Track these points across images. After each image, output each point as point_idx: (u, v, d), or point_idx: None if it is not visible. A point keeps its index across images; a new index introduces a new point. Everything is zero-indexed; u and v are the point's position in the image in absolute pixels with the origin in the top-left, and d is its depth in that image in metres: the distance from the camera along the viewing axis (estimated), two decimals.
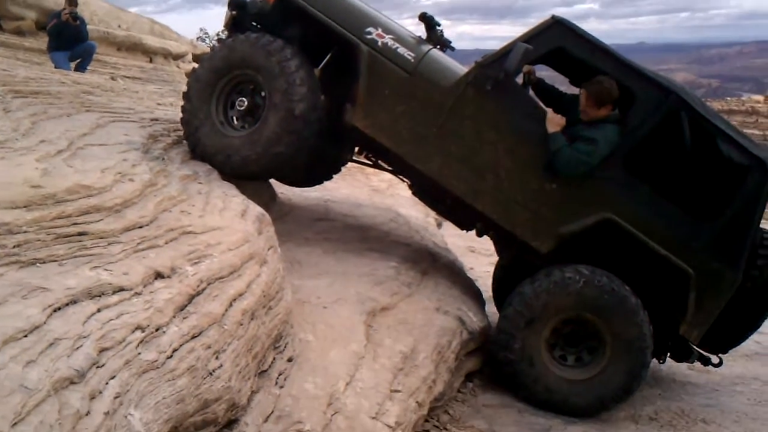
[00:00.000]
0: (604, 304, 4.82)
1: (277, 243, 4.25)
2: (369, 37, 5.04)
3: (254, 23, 5.37)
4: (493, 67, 4.87)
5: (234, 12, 5.38)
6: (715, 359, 5.60)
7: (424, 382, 4.11)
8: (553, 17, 4.92)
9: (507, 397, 5.10)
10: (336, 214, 6.47)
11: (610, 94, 4.80)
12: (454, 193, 5.12)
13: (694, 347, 5.41)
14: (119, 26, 15.82)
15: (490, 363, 5.32)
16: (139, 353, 2.31)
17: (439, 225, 9.52)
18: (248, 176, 5.02)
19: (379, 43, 5.04)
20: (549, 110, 5.02)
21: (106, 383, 2.09)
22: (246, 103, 5.03)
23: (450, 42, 5.57)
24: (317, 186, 7.01)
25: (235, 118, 5.09)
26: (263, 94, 4.98)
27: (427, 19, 5.47)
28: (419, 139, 5.02)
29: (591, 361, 5.00)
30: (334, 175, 6.75)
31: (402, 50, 5.06)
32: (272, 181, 6.31)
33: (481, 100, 4.92)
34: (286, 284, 3.90)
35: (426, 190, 5.75)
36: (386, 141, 5.11)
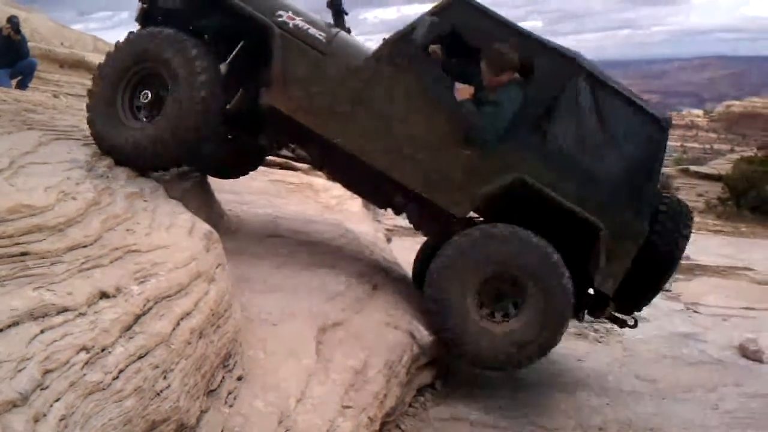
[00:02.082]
0: (525, 258, 5.06)
1: (226, 260, 4.21)
2: (280, 19, 5.14)
3: (163, 17, 5.35)
4: (403, 41, 5.10)
5: (145, 5, 5.40)
6: (630, 321, 5.93)
7: (375, 397, 4.10)
8: None
9: (459, 410, 5.13)
10: (285, 231, 6.44)
11: (508, 59, 5.03)
12: (372, 166, 5.22)
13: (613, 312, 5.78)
14: (62, 43, 15.59)
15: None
16: (85, 374, 2.27)
17: (389, 240, 9.56)
18: (153, 166, 4.97)
19: (290, 25, 5.15)
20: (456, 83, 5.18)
21: (51, 406, 2.05)
22: (150, 95, 5.00)
23: (350, 30, 5.78)
24: (266, 203, 6.99)
25: (139, 109, 5.06)
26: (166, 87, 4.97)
27: (335, 6, 5.72)
28: (336, 115, 5.15)
29: (517, 314, 5.18)
30: (257, 167, 6.85)
31: (313, 31, 5.20)
32: (219, 197, 6.26)
33: (394, 74, 5.11)
34: (234, 302, 3.86)
35: (343, 171, 5.81)
36: (303, 119, 5.18)
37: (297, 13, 5.26)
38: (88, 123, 5.01)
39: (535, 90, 5.13)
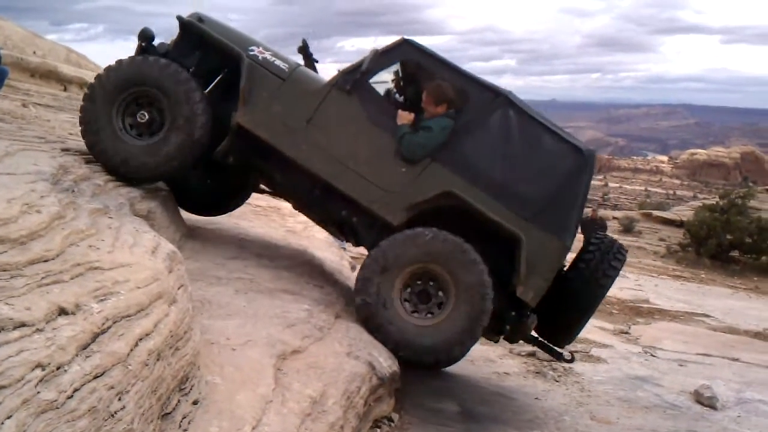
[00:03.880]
0: (448, 255, 5.59)
1: (188, 282, 4.18)
2: (252, 53, 6.03)
3: (155, 55, 6.04)
4: (352, 72, 5.93)
5: (143, 44, 6.14)
6: (567, 355, 6.67)
7: (332, 427, 4.07)
8: (403, 38, 6.05)
9: None
10: (249, 254, 6.41)
11: (445, 93, 5.86)
12: (320, 177, 5.93)
13: (547, 343, 6.61)
14: (34, 52, 15.44)
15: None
16: (39, 392, 2.22)
17: (353, 268, 9.53)
18: (140, 179, 5.76)
19: (260, 57, 6.04)
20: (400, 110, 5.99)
21: (2, 423, 2.01)
22: (147, 116, 5.74)
23: (317, 69, 6.68)
24: (232, 226, 6.99)
25: (129, 125, 5.77)
26: (161, 111, 5.76)
27: (304, 50, 6.67)
28: (291, 131, 5.90)
29: (440, 313, 5.66)
30: (239, 205, 7.54)
31: (278, 62, 6.08)
32: (185, 217, 6.22)
33: (343, 99, 5.90)
34: (194, 324, 3.82)
35: (298, 192, 6.43)
36: (263, 134, 5.92)
37: (266, 49, 6.14)
38: (81, 122, 5.70)
39: (469, 118, 5.85)
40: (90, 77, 17.10)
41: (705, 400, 7.48)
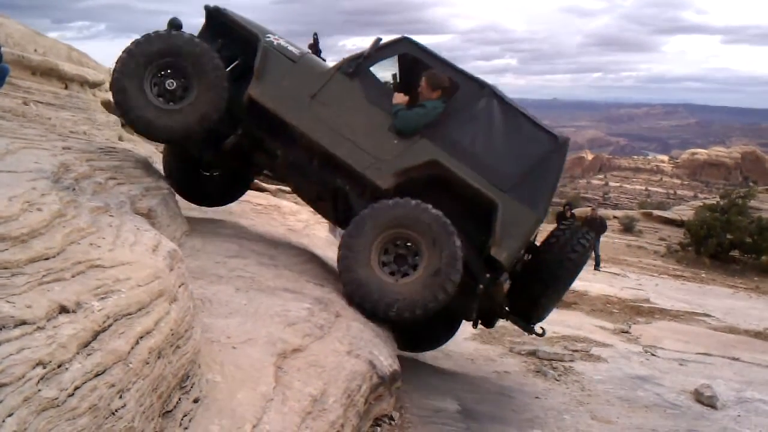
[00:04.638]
0: (420, 221, 6.15)
1: (189, 280, 4.17)
2: (268, 38, 6.78)
3: None
4: (356, 59, 6.70)
5: (173, 31, 6.66)
6: (538, 329, 7.18)
7: (332, 426, 4.07)
8: (403, 35, 6.85)
9: None
10: (250, 253, 6.41)
11: (440, 81, 6.60)
12: (319, 145, 6.60)
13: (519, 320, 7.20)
14: (35, 50, 15.40)
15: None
16: (40, 390, 2.22)
17: None
18: (167, 140, 6.97)
19: (275, 43, 6.78)
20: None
21: (3, 421, 2.01)
22: (174, 84, 6.46)
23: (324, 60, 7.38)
24: (232, 224, 7.03)
25: (156, 92, 6.45)
26: (186, 80, 6.48)
27: (314, 45, 7.47)
28: (297, 104, 6.62)
29: (412, 273, 6.18)
30: (241, 195, 8.37)
31: (290, 48, 6.85)
32: (185, 215, 6.23)
33: (346, 81, 6.66)
34: (195, 323, 3.82)
35: (296, 172, 7.09)
36: (271, 105, 6.64)
37: (281, 37, 6.90)
38: (113, 86, 6.40)
39: (458, 105, 6.60)
40: (91, 76, 17.13)
41: (705, 400, 7.49)
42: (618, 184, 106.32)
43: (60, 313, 2.65)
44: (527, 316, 7.12)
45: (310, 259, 7.14)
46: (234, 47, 6.94)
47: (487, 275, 6.52)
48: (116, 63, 6.46)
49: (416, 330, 7.51)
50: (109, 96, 16.00)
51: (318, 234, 9.29)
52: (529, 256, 6.98)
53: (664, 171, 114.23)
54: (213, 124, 6.59)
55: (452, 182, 6.47)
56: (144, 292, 3.26)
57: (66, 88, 15.91)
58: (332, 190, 6.91)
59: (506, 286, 6.85)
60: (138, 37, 6.50)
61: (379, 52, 6.75)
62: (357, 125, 6.59)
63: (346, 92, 6.64)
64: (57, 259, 3.07)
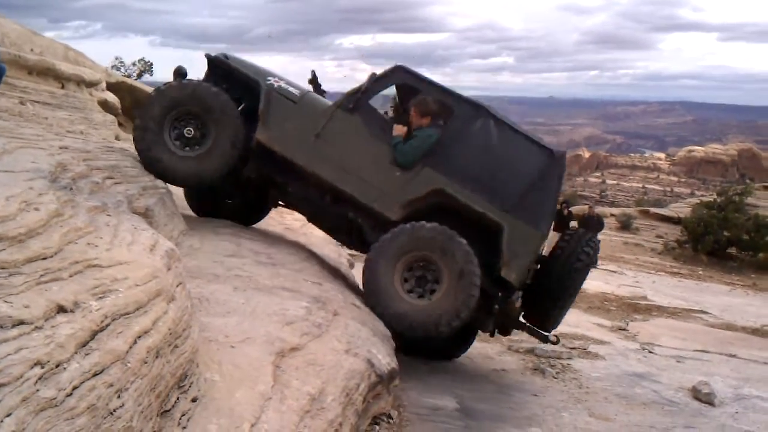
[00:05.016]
0: (440, 243, 6.39)
1: (186, 279, 4.17)
2: (269, 82, 7.04)
3: None
4: (354, 94, 6.92)
5: (179, 79, 7.03)
6: (552, 338, 7.44)
7: (330, 425, 4.07)
8: (396, 65, 7.03)
9: None
10: (247, 252, 6.40)
11: (428, 107, 6.85)
12: (327, 182, 6.84)
13: (534, 327, 7.41)
14: (32, 50, 15.36)
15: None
16: (38, 390, 2.22)
17: (352, 265, 9.53)
18: (190, 185, 7.28)
19: (275, 85, 7.04)
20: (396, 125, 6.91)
21: (1, 421, 2.00)
22: (192, 132, 6.78)
23: (324, 94, 7.54)
24: (229, 223, 7.06)
25: (174, 138, 6.75)
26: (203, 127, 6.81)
27: (313, 80, 7.57)
28: (302, 144, 6.86)
29: (433, 294, 6.44)
30: (260, 219, 8.36)
31: (291, 89, 7.08)
32: (183, 214, 6.22)
33: (347, 117, 6.89)
34: (193, 322, 3.82)
35: (308, 202, 7.29)
36: (278, 148, 6.91)
37: (281, 79, 7.16)
38: (136, 138, 6.75)
39: (454, 129, 6.79)
40: (87, 75, 17.09)
41: (703, 397, 7.50)
42: (615, 182, 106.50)
43: (58, 312, 2.64)
44: (541, 325, 7.37)
45: (308, 257, 7.14)
46: (238, 90, 7.17)
47: (500, 294, 6.78)
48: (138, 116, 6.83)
49: (433, 341, 7.63)
50: (106, 95, 15.99)
51: (315, 233, 9.28)
52: (538, 266, 7.14)
53: (661, 168, 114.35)
54: (230, 169, 6.91)
55: (457, 208, 6.67)
56: (142, 291, 3.26)
57: (63, 87, 15.87)
58: (346, 222, 7.12)
59: (518, 302, 7.10)
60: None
61: (375, 84, 6.98)
62: (361, 160, 6.83)
63: (348, 128, 6.88)
64: (54, 259, 3.07)
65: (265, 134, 6.88)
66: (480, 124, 6.77)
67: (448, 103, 6.92)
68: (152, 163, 6.61)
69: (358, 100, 6.88)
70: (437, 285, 6.42)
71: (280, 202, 7.89)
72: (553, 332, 7.47)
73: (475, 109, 6.85)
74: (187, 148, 6.77)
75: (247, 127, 6.92)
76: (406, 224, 6.51)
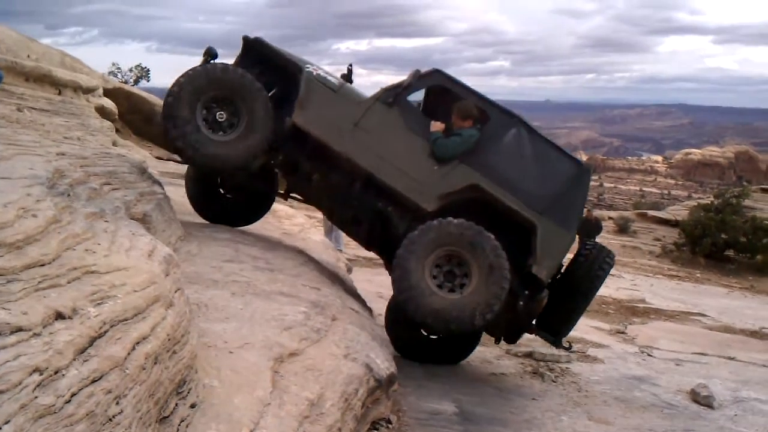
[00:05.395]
0: (468, 238, 6.57)
1: (185, 285, 4.17)
2: (308, 69, 7.14)
3: None
4: (394, 89, 7.14)
5: (209, 60, 7.14)
6: (566, 343, 7.60)
7: (329, 430, 4.06)
8: (434, 69, 7.37)
9: None
10: (246, 257, 6.40)
11: (470, 110, 7.13)
12: (364, 169, 7.00)
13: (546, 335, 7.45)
14: (28, 56, 15.35)
15: None
16: (36, 397, 2.21)
17: (350, 270, 9.53)
18: (215, 169, 7.24)
19: (314, 73, 7.15)
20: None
21: (0, 428, 2.00)
22: (225, 116, 6.87)
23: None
24: (227, 228, 7.04)
25: (206, 121, 6.80)
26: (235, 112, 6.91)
27: (348, 76, 7.62)
28: (340, 131, 7.02)
29: (463, 287, 6.61)
30: (264, 214, 8.43)
31: (330, 78, 7.24)
32: (181, 220, 6.22)
33: (385, 110, 7.08)
34: (191, 328, 3.81)
35: (334, 187, 7.33)
36: (317, 132, 7.03)
37: (320, 68, 7.31)
38: (165, 118, 6.75)
39: (491, 133, 7.07)
40: (84, 81, 17.08)
41: (702, 399, 7.50)
42: (612, 185, 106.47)
43: (56, 319, 2.64)
44: (556, 331, 7.44)
45: (306, 262, 7.13)
46: (270, 74, 7.29)
47: (526, 292, 6.94)
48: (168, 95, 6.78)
49: (438, 344, 7.81)
50: (103, 101, 15.97)
51: (313, 238, 9.28)
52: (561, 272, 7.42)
53: (658, 171, 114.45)
54: (260, 154, 7.10)
55: (492, 205, 6.92)
56: (140, 297, 3.25)
57: (59, 93, 15.85)
58: (371, 213, 7.27)
59: (545, 300, 7.14)
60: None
61: (416, 83, 7.21)
62: (399, 151, 7.03)
63: (387, 120, 7.07)
64: (53, 266, 3.06)
65: (302, 118, 7.02)
66: (514, 132, 7.08)
67: (485, 109, 7.20)
68: (188, 151, 6.72)
69: (397, 95, 7.10)
70: (466, 279, 6.59)
71: (293, 194, 7.94)
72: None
73: (510, 117, 7.17)
74: (221, 133, 6.86)
75: (276, 113, 7.05)
76: (433, 221, 6.68)
